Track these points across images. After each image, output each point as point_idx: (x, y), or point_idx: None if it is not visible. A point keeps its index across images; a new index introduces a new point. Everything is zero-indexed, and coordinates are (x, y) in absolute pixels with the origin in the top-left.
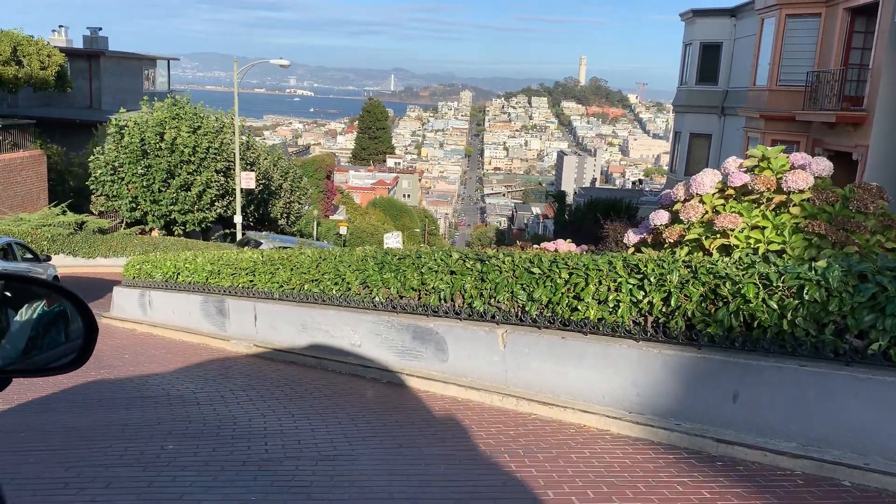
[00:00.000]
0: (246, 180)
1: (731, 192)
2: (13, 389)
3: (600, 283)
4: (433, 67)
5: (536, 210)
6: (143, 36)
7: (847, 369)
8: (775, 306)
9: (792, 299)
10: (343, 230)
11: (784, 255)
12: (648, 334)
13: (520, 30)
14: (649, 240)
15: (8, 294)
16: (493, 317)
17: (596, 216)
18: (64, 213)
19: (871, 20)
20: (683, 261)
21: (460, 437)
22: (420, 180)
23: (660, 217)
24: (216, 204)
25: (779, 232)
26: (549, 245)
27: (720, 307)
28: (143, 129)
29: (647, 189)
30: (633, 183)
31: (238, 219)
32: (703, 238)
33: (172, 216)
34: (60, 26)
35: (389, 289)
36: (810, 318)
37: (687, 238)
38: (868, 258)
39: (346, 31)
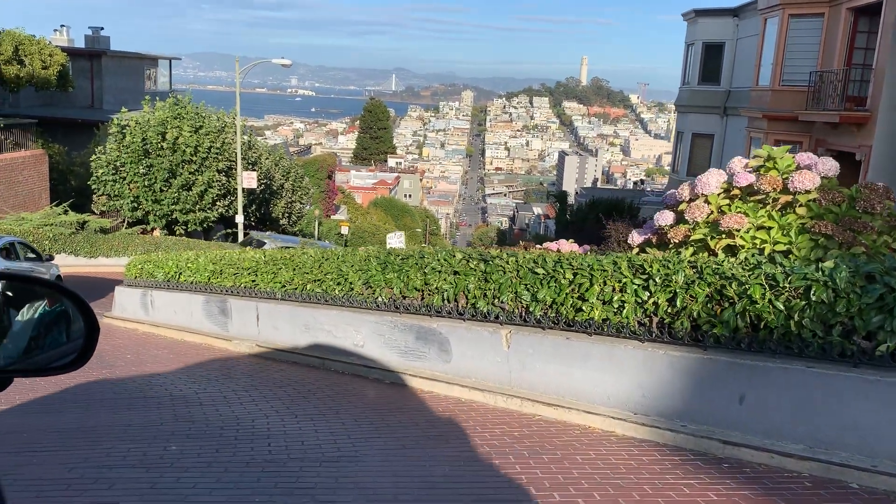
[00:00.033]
0: (248, 180)
1: (736, 192)
2: (14, 389)
3: (605, 283)
4: (434, 67)
5: (538, 210)
6: (145, 35)
7: (855, 371)
8: (782, 307)
9: (799, 300)
10: (344, 230)
11: (790, 256)
12: (654, 335)
13: (521, 30)
14: (654, 240)
15: (9, 294)
16: (497, 317)
17: (598, 216)
18: (66, 212)
19: (874, 20)
20: (689, 261)
21: (464, 438)
22: (421, 180)
23: (665, 217)
24: (218, 203)
25: (785, 232)
26: (552, 245)
27: (726, 308)
28: (145, 128)
29: (649, 189)
30: (635, 183)
31: (240, 218)
32: (709, 238)
33: (174, 216)
34: (62, 26)
35: (392, 289)
36: (817, 319)
37: (692, 238)
38: (875, 259)
39: (348, 30)
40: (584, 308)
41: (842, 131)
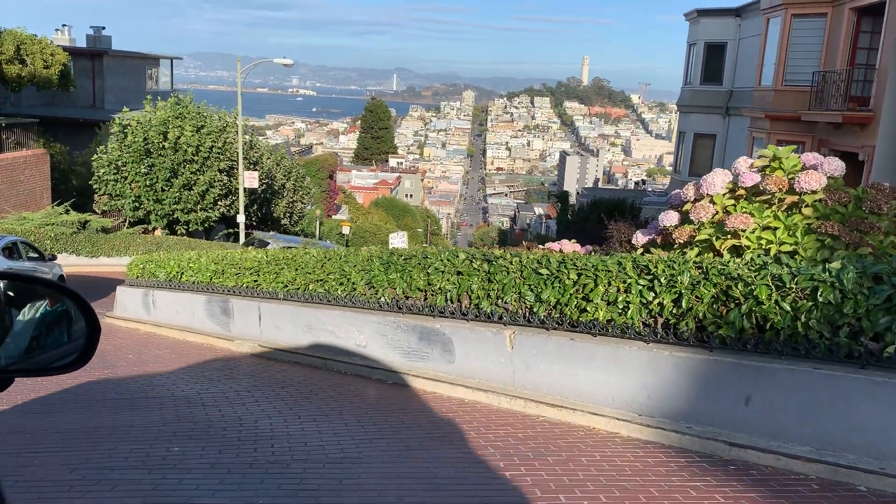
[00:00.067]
0: (249, 180)
1: (741, 192)
2: (16, 389)
3: (609, 284)
4: (436, 67)
5: (539, 210)
6: (146, 35)
7: (863, 372)
8: (788, 308)
9: (805, 301)
10: (346, 230)
11: (796, 257)
12: (659, 336)
13: (522, 30)
14: (658, 240)
15: (11, 294)
16: (501, 318)
17: (599, 216)
18: (67, 212)
19: (877, 20)
20: (694, 262)
21: (469, 439)
22: (422, 180)
23: (669, 218)
24: (219, 203)
25: (791, 233)
26: (554, 245)
27: (732, 309)
28: (147, 128)
29: (650, 189)
30: (636, 183)
31: (241, 218)
32: (714, 239)
33: (175, 215)
34: (64, 25)
35: (395, 289)
36: (824, 320)
37: (697, 239)
38: (883, 260)
39: (349, 30)
40: (588, 309)
41: (845, 131)
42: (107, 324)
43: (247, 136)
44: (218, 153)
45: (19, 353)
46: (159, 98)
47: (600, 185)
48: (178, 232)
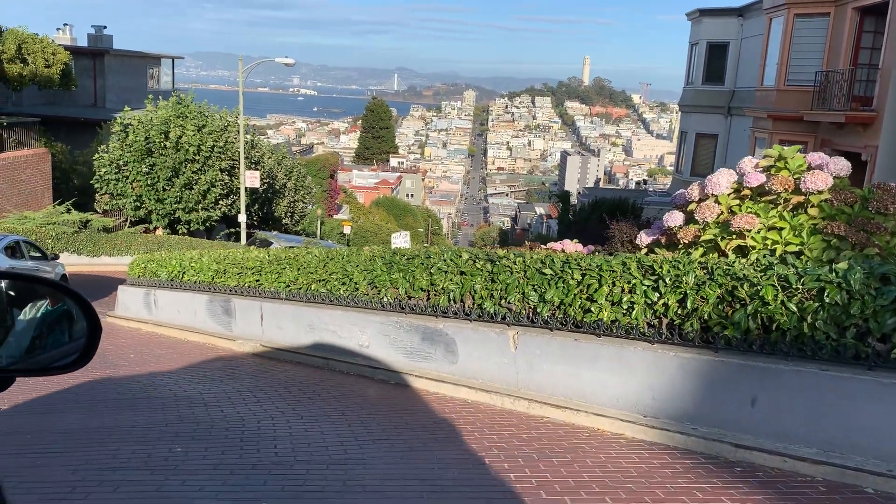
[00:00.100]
0: (250, 179)
1: (746, 192)
2: (17, 389)
3: (614, 284)
4: (437, 67)
5: (540, 210)
6: (147, 35)
7: (870, 374)
8: (794, 309)
9: (812, 302)
10: (347, 229)
11: (802, 257)
12: (663, 336)
13: (523, 30)
14: (663, 240)
15: (12, 293)
16: (504, 318)
17: (601, 216)
18: (68, 211)
19: (880, 20)
20: (699, 262)
21: (472, 440)
22: (423, 180)
23: (674, 218)
24: (220, 203)
25: (797, 233)
26: (556, 245)
27: (737, 309)
28: (148, 127)
29: (651, 189)
30: (637, 183)
31: (242, 218)
32: (719, 239)
33: (177, 215)
34: (65, 24)
35: (398, 289)
36: (831, 321)
37: (702, 239)
38: (889, 260)
39: (350, 30)
40: (592, 309)
41: (847, 131)
42: (108, 323)
43: (248, 136)
44: (219, 153)
45: (20, 353)
46: (161, 97)
47: (601, 185)
48: (180, 231)
